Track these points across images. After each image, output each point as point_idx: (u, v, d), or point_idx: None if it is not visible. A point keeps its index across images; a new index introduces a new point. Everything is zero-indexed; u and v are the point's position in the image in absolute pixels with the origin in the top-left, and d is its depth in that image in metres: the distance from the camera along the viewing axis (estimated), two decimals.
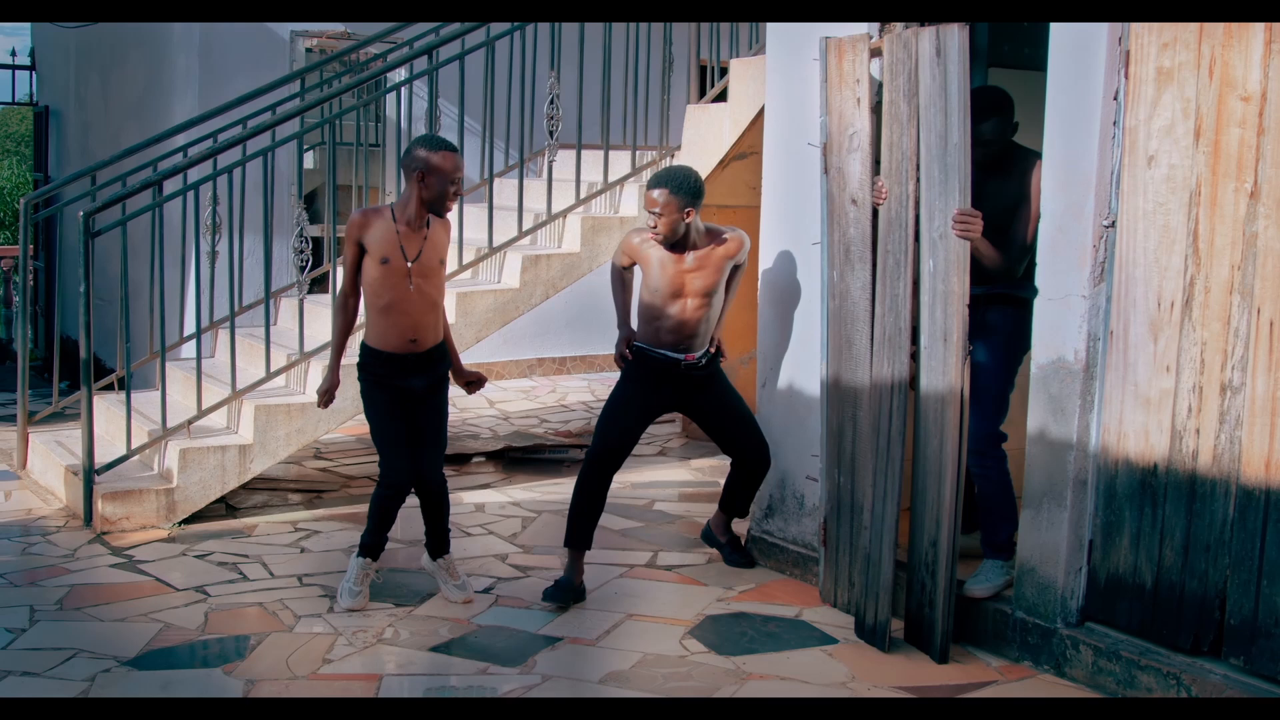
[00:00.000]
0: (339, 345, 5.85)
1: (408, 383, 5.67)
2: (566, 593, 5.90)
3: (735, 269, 6.08)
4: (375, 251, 5.55)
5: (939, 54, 5.20)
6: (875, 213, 5.61)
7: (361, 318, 5.90)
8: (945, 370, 5.26)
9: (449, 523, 5.95)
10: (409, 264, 5.55)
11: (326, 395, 5.87)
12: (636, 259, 6.09)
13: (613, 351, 6.26)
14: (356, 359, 5.77)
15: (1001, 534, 5.47)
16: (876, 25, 5.75)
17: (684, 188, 5.81)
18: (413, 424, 5.77)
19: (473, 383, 6.04)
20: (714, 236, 5.99)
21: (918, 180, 5.37)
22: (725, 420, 6.22)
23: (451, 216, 7.66)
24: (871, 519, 5.57)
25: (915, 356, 5.44)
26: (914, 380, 5.46)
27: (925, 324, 5.35)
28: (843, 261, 5.76)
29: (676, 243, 5.90)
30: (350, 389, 6.13)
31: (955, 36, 5.13)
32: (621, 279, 6.30)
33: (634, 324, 6.19)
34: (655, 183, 5.85)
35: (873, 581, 5.49)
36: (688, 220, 5.83)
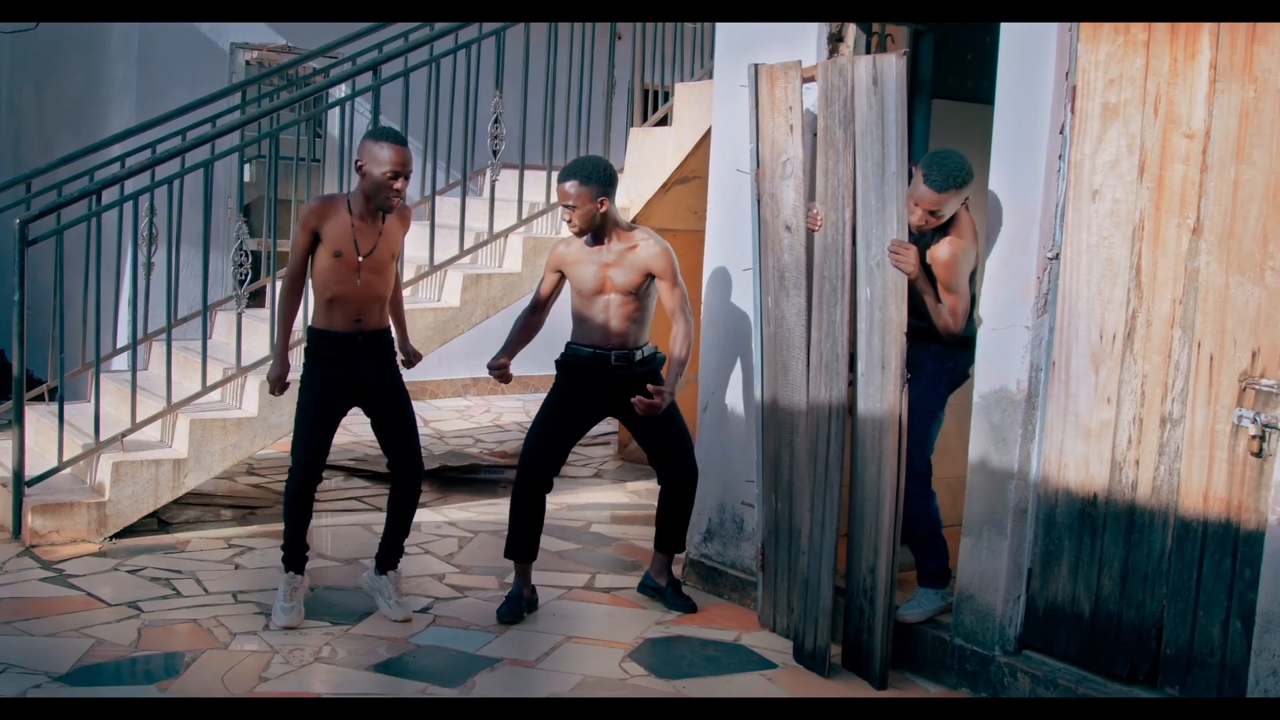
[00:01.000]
0: (285, 331, 5.77)
1: (356, 368, 5.65)
2: (517, 604, 5.92)
3: (655, 280, 5.85)
4: (329, 243, 5.51)
5: (876, 82, 5.24)
6: (810, 239, 5.63)
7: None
8: (883, 397, 5.29)
9: (407, 534, 5.95)
10: (360, 258, 5.52)
11: (279, 382, 5.81)
12: (563, 266, 5.96)
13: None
14: (303, 347, 5.76)
15: (928, 566, 5.51)
16: (813, 50, 5.82)
17: (594, 176, 5.70)
18: (380, 419, 5.76)
19: (410, 356, 5.96)
20: (634, 235, 5.86)
21: (854, 207, 5.41)
22: (657, 426, 5.97)
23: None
24: (810, 544, 5.58)
25: (854, 384, 5.47)
26: (852, 407, 5.48)
27: (863, 351, 5.38)
28: (777, 287, 5.79)
29: (597, 237, 5.83)
30: (290, 403, 6.08)
31: (893, 65, 5.18)
32: (527, 320, 6.10)
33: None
34: (565, 175, 5.73)
35: (811, 607, 5.51)
36: (603, 209, 5.74)
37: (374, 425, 5.84)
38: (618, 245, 5.83)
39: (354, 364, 5.66)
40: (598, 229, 5.80)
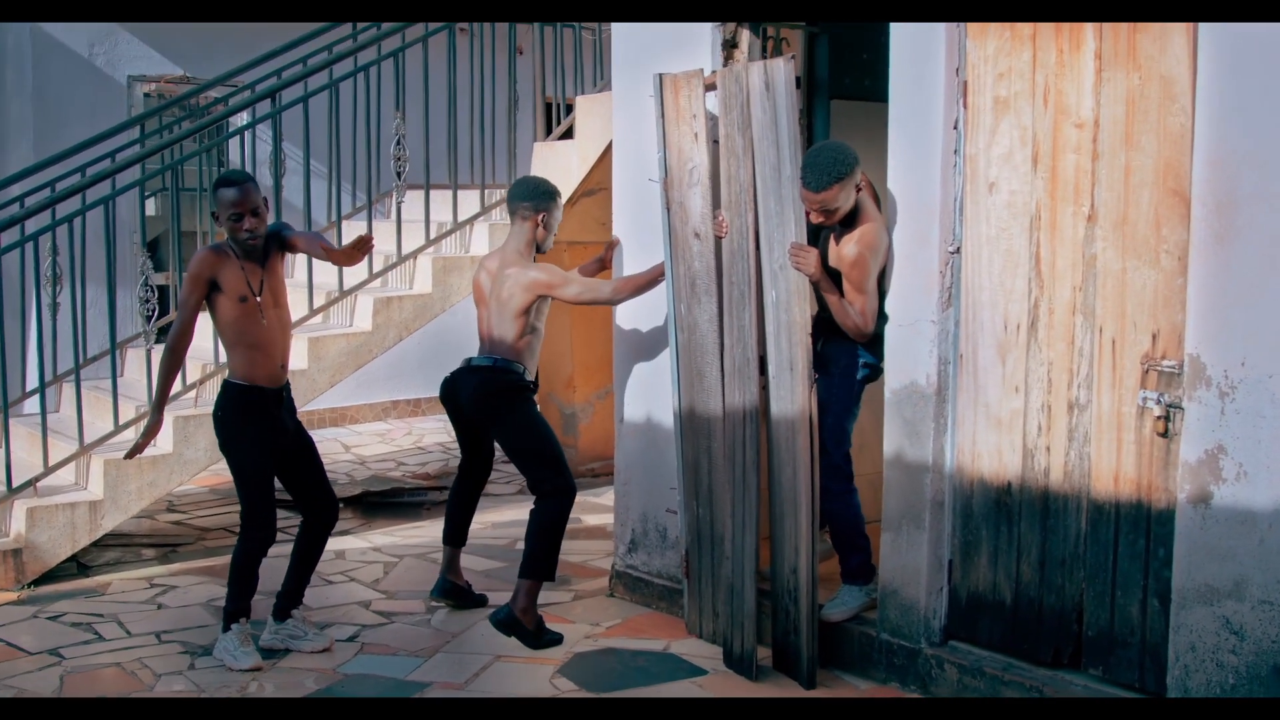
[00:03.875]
0: (165, 389, 5.60)
1: (281, 420, 5.62)
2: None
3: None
4: (230, 290, 5.45)
5: (768, 87, 5.28)
6: (718, 245, 5.66)
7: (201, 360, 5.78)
8: (794, 399, 5.33)
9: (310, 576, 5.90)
10: (258, 299, 5.48)
11: (147, 439, 5.65)
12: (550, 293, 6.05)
13: None
14: (214, 406, 5.67)
15: (851, 561, 5.54)
16: (708, 57, 5.86)
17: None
18: (293, 462, 5.73)
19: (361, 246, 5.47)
20: None
21: (756, 212, 5.44)
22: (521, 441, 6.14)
23: (301, 259, 7.61)
24: (732, 549, 5.61)
25: (766, 387, 5.50)
26: (767, 410, 5.50)
27: (772, 354, 5.41)
28: (689, 295, 5.81)
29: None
30: (205, 438, 6.01)
31: (781, 70, 5.23)
32: None
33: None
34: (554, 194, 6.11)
35: (737, 611, 5.53)
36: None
37: (286, 472, 5.75)
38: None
39: (279, 415, 5.64)
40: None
